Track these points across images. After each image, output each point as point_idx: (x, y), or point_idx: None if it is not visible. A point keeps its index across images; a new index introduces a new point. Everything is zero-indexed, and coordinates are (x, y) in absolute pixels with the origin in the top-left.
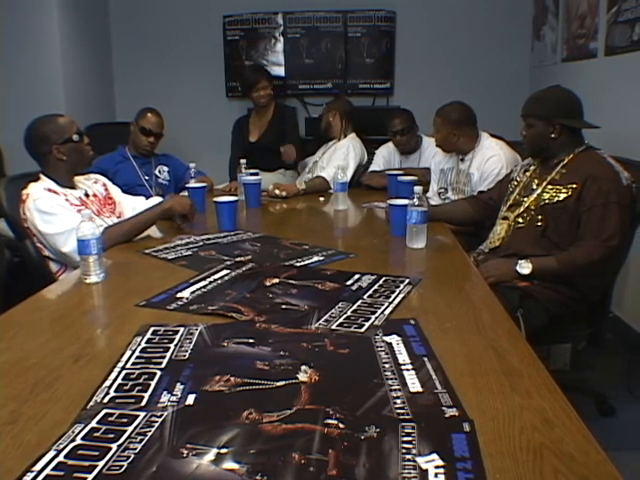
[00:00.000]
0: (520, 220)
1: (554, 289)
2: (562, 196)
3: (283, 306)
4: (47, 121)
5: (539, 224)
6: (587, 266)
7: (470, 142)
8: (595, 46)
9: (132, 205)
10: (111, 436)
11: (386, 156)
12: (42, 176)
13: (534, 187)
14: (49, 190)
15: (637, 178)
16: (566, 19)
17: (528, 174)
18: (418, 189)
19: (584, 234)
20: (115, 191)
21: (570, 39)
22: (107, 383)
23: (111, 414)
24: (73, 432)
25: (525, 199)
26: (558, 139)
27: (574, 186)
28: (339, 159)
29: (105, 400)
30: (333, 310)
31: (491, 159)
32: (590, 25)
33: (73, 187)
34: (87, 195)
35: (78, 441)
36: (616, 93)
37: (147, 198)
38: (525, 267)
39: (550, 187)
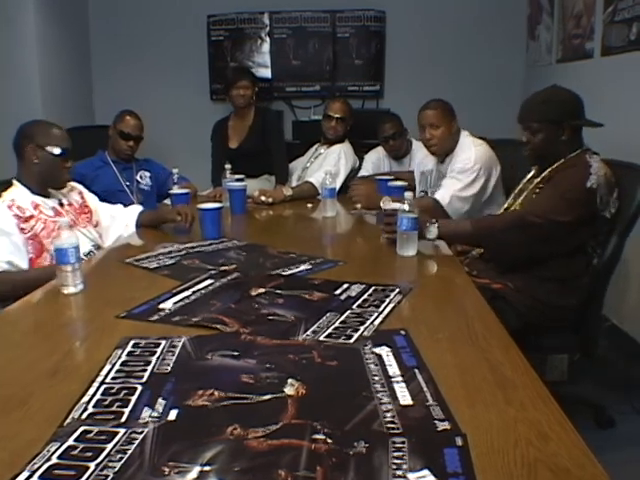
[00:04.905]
0: None
1: (530, 295)
2: (534, 197)
3: (269, 317)
4: (42, 124)
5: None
6: (499, 231)
7: (458, 135)
8: (591, 46)
9: (110, 213)
10: (89, 454)
11: (375, 161)
12: (15, 182)
13: (524, 191)
14: (10, 207)
15: (633, 181)
16: (561, 18)
17: (528, 177)
18: (409, 195)
19: None
20: (91, 199)
21: (566, 39)
22: (85, 398)
23: (89, 431)
24: (48, 451)
25: (513, 202)
26: (567, 141)
27: (542, 186)
28: (330, 165)
29: (83, 416)
30: (321, 321)
31: (463, 155)
32: (586, 25)
33: (47, 195)
34: (62, 204)
35: (54, 460)
36: (613, 94)
37: (128, 204)
38: (432, 232)
39: (531, 191)
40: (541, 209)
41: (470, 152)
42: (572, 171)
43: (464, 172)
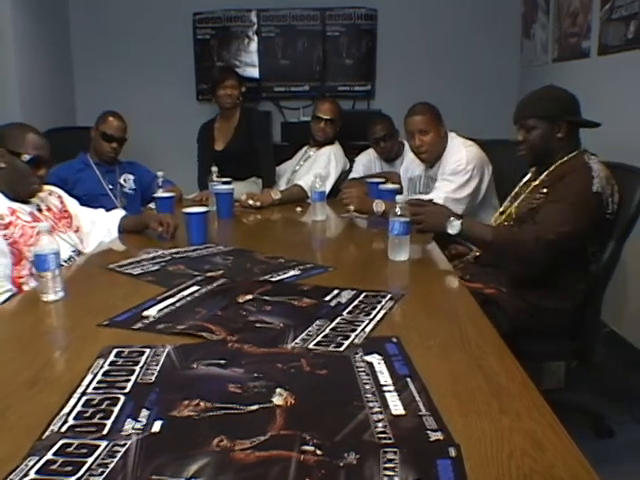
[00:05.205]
0: None
1: (525, 299)
2: (535, 202)
3: (257, 324)
4: (18, 127)
5: None
6: (517, 247)
7: (445, 139)
8: (588, 45)
9: (91, 218)
10: (69, 469)
11: (366, 164)
12: None
13: (521, 194)
14: None
15: (631, 183)
16: (557, 16)
17: (524, 180)
18: (400, 198)
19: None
20: (71, 203)
21: (562, 38)
22: (65, 410)
23: (69, 444)
24: (26, 466)
25: (510, 206)
26: (563, 139)
27: (544, 190)
28: (319, 167)
29: (63, 429)
30: (310, 328)
31: (454, 157)
32: (582, 23)
33: (24, 201)
34: (40, 210)
35: (32, 475)
36: (610, 94)
37: (111, 209)
38: (454, 227)
39: (529, 195)
40: (553, 225)
41: (461, 153)
42: (575, 177)
43: (457, 173)
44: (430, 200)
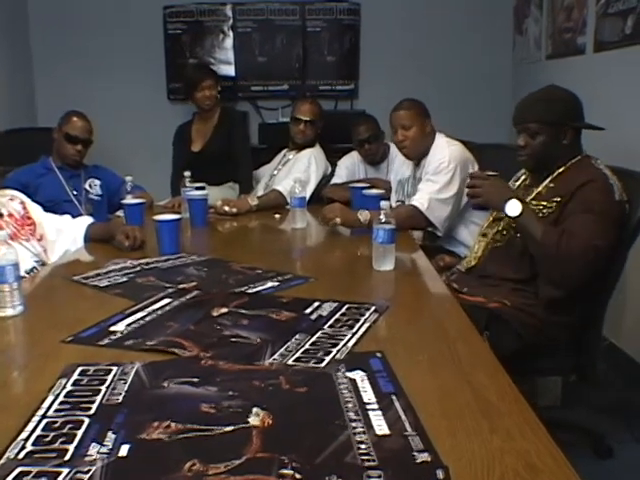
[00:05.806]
0: (498, 238)
1: (529, 312)
2: (545, 212)
3: (232, 339)
4: None
5: (517, 244)
6: (559, 259)
7: (433, 137)
8: (583, 41)
9: (56, 226)
10: None
11: (350, 167)
12: None
13: None
14: None
15: (633, 188)
16: (551, 11)
17: (518, 183)
18: (385, 204)
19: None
20: (35, 210)
21: (556, 33)
22: (23, 435)
23: (27, 472)
24: None
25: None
26: (568, 145)
27: (558, 199)
28: (299, 171)
29: (20, 456)
30: (289, 343)
31: (437, 157)
32: (578, 18)
33: None
34: (1, 215)
35: None
36: (607, 93)
37: (75, 216)
38: (515, 208)
39: (534, 203)
40: (591, 240)
41: (444, 152)
42: (594, 187)
43: (439, 173)
44: (494, 174)
